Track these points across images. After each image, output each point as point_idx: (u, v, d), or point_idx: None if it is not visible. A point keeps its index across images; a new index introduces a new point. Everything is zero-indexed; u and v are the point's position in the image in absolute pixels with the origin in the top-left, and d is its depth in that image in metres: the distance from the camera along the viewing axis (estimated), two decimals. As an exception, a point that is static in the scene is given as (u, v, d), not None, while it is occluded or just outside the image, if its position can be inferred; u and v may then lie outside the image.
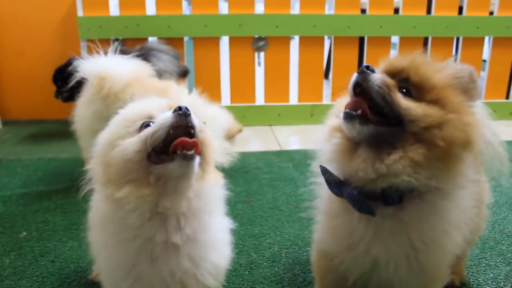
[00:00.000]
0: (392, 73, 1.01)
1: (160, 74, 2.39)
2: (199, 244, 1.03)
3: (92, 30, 3.24)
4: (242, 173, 2.44)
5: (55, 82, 3.09)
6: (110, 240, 1.03)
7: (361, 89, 0.98)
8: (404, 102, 0.96)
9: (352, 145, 1.00)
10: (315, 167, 1.12)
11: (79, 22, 3.21)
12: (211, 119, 2.13)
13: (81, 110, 2.03)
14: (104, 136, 1.01)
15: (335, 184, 1.03)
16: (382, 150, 0.95)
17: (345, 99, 1.06)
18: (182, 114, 0.93)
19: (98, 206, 1.05)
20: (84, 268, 1.62)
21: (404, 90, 0.98)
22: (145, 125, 0.97)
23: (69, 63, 2.82)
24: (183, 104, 0.95)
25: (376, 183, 0.96)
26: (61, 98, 3.04)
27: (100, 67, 1.93)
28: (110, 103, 1.90)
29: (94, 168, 1.02)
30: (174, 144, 0.92)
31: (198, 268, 1.03)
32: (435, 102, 0.96)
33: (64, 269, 1.62)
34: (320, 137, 1.08)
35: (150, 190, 0.94)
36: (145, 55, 2.59)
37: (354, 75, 0.99)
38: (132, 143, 0.94)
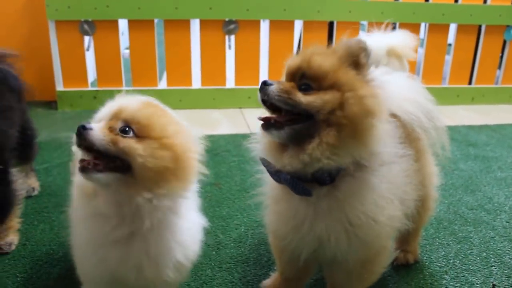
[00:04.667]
0: (293, 74, 1.11)
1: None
2: (160, 240, 1.08)
3: (60, 11, 3.19)
4: (211, 156, 2.49)
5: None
6: (82, 214, 1.11)
7: (269, 103, 1.08)
8: (304, 99, 1.05)
9: (281, 144, 1.10)
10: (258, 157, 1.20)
11: (47, 2, 3.14)
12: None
13: None
14: None
15: (274, 172, 1.12)
16: (304, 142, 1.05)
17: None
18: (77, 134, 0.98)
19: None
20: (56, 251, 1.66)
21: (303, 87, 1.08)
22: None
23: None
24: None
25: (305, 170, 1.05)
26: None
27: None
28: None
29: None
30: None
31: (156, 263, 1.08)
32: (332, 86, 1.06)
33: (36, 252, 1.66)
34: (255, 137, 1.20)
35: None
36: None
37: (258, 94, 1.09)
38: None
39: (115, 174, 0.99)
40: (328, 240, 1.12)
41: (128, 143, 0.98)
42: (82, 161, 0.99)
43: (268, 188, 1.25)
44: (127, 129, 1.00)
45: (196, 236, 1.18)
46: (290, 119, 1.06)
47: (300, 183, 1.08)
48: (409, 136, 1.25)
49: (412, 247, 1.64)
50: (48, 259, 1.62)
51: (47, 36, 3.24)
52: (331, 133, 1.02)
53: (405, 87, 1.34)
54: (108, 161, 0.99)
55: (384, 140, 1.09)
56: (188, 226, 1.14)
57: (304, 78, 1.08)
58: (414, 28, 3.57)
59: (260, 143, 1.16)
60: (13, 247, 1.67)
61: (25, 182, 1.93)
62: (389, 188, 1.13)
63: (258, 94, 1.09)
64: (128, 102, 1.07)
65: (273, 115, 1.09)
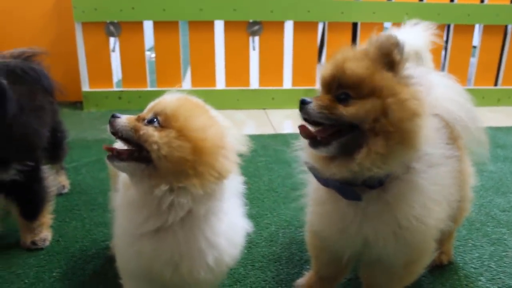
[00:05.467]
0: (328, 84, 1.08)
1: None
2: (190, 239, 1.07)
3: (87, 13, 3.23)
4: (238, 156, 2.49)
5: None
6: (121, 204, 1.14)
7: (311, 120, 1.08)
8: (346, 111, 1.03)
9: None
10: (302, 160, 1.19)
11: (74, 4, 3.19)
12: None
13: None
14: None
15: (321, 178, 1.11)
16: (352, 151, 1.03)
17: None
18: (109, 121, 1.05)
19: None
20: (89, 247, 1.68)
21: (342, 97, 1.05)
22: None
23: None
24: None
25: (355, 179, 1.04)
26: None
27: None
28: None
29: None
30: None
31: (189, 262, 1.08)
32: (371, 93, 1.03)
33: (69, 248, 1.68)
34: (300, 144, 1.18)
35: None
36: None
37: (299, 113, 1.08)
38: None
39: (138, 164, 1.02)
40: (376, 242, 1.11)
41: (147, 130, 1.01)
42: (110, 149, 1.06)
43: (311, 190, 1.24)
44: (153, 119, 1.03)
45: (235, 240, 1.15)
46: (335, 132, 1.05)
47: (349, 188, 1.07)
48: (452, 135, 1.24)
49: (447, 248, 1.62)
50: (81, 255, 1.63)
51: (74, 37, 3.29)
52: (379, 142, 1.00)
53: (445, 86, 1.32)
54: (133, 151, 1.03)
55: (432, 141, 1.07)
56: (225, 229, 1.12)
57: (341, 88, 1.06)
58: (439, 29, 3.54)
59: (306, 151, 1.15)
60: (47, 243, 1.69)
61: (55, 180, 1.95)
62: (437, 190, 1.12)
63: (299, 114, 1.08)
64: (168, 97, 1.09)
65: (316, 130, 1.08)
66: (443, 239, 1.56)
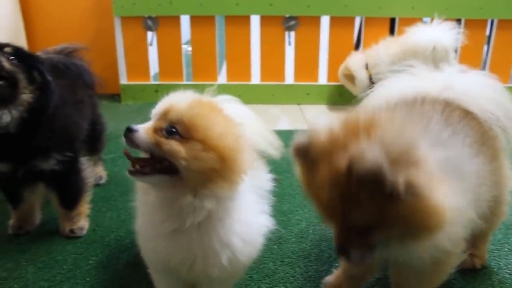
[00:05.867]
0: None
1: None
2: (204, 240, 1.08)
3: (126, 7, 3.32)
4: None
5: None
6: (140, 204, 1.16)
7: None
8: None
9: None
10: None
11: (114, -1, 3.29)
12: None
13: None
14: None
15: None
16: None
17: None
18: (124, 135, 1.03)
19: None
20: (123, 237, 1.73)
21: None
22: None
23: None
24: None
25: None
26: None
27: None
28: None
29: None
30: None
31: (203, 261, 1.09)
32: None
33: (105, 238, 1.74)
34: None
35: None
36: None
37: None
38: None
39: (163, 176, 1.01)
40: None
41: (171, 145, 0.99)
42: (131, 164, 1.04)
43: None
44: (172, 130, 1.00)
45: (251, 239, 1.15)
46: None
47: None
48: (485, 135, 1.21)
49: (481, 251, 1.58)
50: (116, 245, 1.69)
51: (113, 32, 3.38)
52: None
53: (482, 85, 1.29)
54: (156, 162, 1.01)
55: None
56: (240, 228, 1.12)
57: None
58: (481, 24, 3.44)
59: None
60: (85, 231, 1.75)
61: (93, 171, 2.01)
62: None
63: None
64: (177, 100, 1.06)
65: None
66: (476, 242, 1.53)
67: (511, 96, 1.30)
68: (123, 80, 3.51)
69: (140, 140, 1.00)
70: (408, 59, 2.82)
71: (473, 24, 3.39)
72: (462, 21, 3.42)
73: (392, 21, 3.50)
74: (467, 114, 1.19)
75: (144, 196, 1.11)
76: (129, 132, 1.01)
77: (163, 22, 3.39)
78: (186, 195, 1.01)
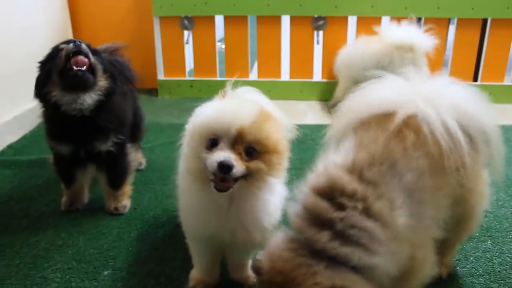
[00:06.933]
0: None
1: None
2: (252, 211, 1.27)
3: (164, 8, 3.54)
4: (297, 143, 2.65)
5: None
6: (187, 188, 1.34)
7: None
8: None
9: None
10: None
11: (153, 0, 3.51)
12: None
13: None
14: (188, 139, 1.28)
15: None
16: None
17: None
18: (223, 171, 1.15)
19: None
20: (160, 216, 1.94)
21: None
22: (212, 142, 1.18)
23: None
24: None
25: None
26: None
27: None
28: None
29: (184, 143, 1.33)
30: None
31: (248, 229, 1.28)
32: None
33: (144, 215, 1.95)
34: None
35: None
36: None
37: None
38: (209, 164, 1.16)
39: (239, 182, 1.19)
40: None
41: (257, 165, 1.17)
42: (216, 181, 1.17)
43: None
44: (251, 150, 1.16)
45: (279, 206, 1.34)
46: None
47: None
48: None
49: (447, 260, 1.56)
50: (154, 222, 1.90)
51: (151, 31, 3.61)
52: None
53: (467, 97, 1.28)
54: (239, 177, 1.18)
55: None
56: (274, 199, 1.32)
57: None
58: (473, 24, 3.49)
59: None
60: (127, 209, 1.97)
61: (135, 156, 2.23)
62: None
63: None
64: (242, 115, 1.16)
65: None
66: (443, 250, 1.40)
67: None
68: (161, 76, 3.74)
69: (238, 173, 1.15)
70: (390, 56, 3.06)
71: (465, 24, 3.50)
72: (489, 20, 3.48)
73: (418, 20, 3.60)
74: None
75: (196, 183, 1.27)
76: (228, 170, 1.13)
77: (199, 22, 3.59)
78: (251, 189, 1.22)
